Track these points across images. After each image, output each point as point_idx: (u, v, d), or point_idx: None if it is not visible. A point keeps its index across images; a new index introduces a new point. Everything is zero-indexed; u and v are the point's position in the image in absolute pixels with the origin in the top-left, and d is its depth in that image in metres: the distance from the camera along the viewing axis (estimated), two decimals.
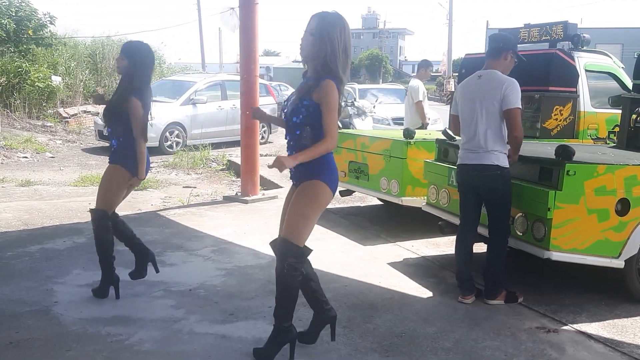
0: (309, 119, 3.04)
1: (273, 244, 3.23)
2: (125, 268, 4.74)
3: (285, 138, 3.21)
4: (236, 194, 7.78)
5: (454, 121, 4.38)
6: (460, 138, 4.35)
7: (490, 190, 4.04)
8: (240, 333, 3.60)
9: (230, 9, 9.56)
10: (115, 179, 4.07)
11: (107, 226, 4.11)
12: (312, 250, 3.18)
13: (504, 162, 4.00)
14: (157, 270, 4.41)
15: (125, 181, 4.06)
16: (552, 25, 7.11)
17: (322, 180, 3.09)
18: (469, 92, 4.17)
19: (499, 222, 4.10)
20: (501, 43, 4.11)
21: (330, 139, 3.01)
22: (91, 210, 4.12)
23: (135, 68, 3.97)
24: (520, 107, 3.96)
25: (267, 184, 8.58)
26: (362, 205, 7.58)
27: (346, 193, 6.91)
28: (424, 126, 7.94)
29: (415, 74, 8.59)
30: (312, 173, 3.08)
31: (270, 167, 3.04)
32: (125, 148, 4.02)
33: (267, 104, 14.32)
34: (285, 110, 3.19)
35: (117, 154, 4.08)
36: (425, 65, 8.50)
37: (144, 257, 4.32)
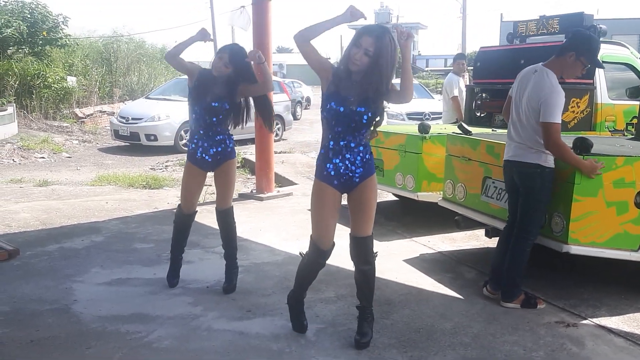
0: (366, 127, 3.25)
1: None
2: (143, 266, 4.79)
3: (340, 142, 3.23)
4: (251, 191, 7.80)
5: (509, 103, 4.12)
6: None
7: (526, 187, 3.89)
8: (258, 329, 3.61)
9: (240, 7, 9.54)
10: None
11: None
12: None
13: (546, 160, 3.81)
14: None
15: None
16: (549, 18, 7.06)
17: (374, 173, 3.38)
18: (522, 85, 3.95)
19: (529, 224, 3.93)
20: (568, 41, 3.90)
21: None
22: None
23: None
24: (556, 121, 3.67)
25: (282, 181, 8.60)
26: (377, 201, 7.55)
27: None
28: (458, 121, 7.91)
29: (452, 69, 8.57)
30: (372, 168, 3.34)
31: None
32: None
33: (280, 101, 14.34)
34: (342, 110, 3.18)
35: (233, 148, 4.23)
36: (456, 58, 8.47)
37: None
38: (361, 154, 3.25)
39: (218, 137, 4.10)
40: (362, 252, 3.35)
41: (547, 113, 3.67)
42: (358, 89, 3.15)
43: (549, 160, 3.81)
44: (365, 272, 3.37)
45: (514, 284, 4.05)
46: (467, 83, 8.06)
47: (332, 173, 3.25)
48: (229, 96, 4.01)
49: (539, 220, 3.93)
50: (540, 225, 3.95)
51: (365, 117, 3.17)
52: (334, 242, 3.41)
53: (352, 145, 3.22)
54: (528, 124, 3.83)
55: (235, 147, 4.28)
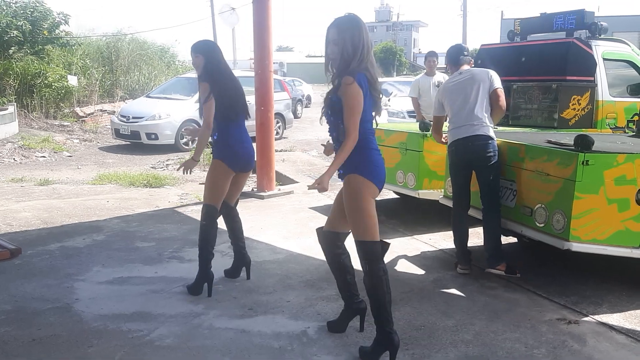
0: (338, 117, 3.13)
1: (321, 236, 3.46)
2: (144, 264, 4.79)
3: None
4: (252, 189, 7.80)
5: (438, 122, 4.89)
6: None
7: (484, 159, 4.40)
8: (260, 327, 3.62)
9: (230, 9, 9.57)
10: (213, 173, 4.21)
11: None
12: (389, 244, 3.31)
13: (493, 135, 4.48)
14: (248, 277, 4.47)
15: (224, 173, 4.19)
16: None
17: (359, 173, 3.16)
18: (456, 87, 4.61)
19: (491, 194, 4.44)
20: (465, 52, 4.82)
21: (348, 136, 3.07)
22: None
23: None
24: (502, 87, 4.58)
25: (283, 180, 8.60)
26: (378, 199, 7.45)
27: None
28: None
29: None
30: (350, 168, 3.18)
31: (310, 188, 3.19)
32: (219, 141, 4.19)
33: (281, 99, 14.33)
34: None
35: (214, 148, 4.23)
36: (427, 56, 8.23)
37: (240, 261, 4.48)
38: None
39: (214, 137, 4.20)
40: (326, 243, 3.37)
41: (497, 82, 4.53)
42: (332, 80, 3.20)
43: (493, 135, 4.48)
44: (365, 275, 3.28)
45: (497, 250, 4.49)
46: (441, 80, 7.86)
47: None
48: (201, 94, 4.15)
49: (499, 187, 4.49)
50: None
51: (329, 109, 3.19)
52: (343, 233, 3.44)
53: (338, 140, 3.22)
54: (476, 106, 4.45)
55: None
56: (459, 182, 4.65)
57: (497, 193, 4.45)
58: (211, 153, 4.33)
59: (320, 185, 3.13)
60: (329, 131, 3.30)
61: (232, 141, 4.18)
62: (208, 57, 4.16)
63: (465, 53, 4.83)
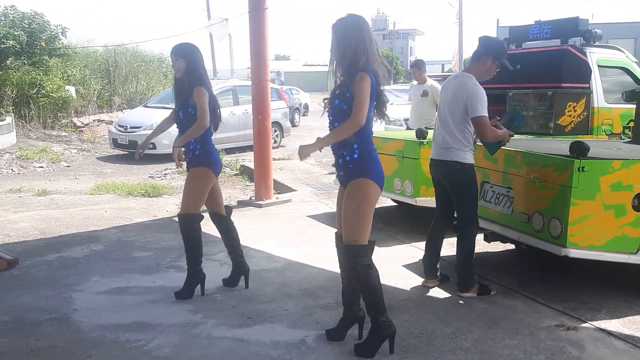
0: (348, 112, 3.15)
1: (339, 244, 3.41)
2: (142, 274, 4.79)
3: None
4: (250, 198, 7.81)
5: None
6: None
7: (452, 184, 4.22)
8: (258, 336, 3.61)
9: (223, 20, 9.64)
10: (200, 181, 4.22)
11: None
12: (374, 242, 3.32)
13: (465, 158, 4.13)
14: (247, 286, 4.47)
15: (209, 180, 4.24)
16: (542, 24, 7.17)
17: (369, 177, 3.20)
18: (444, 92, 4.32)
19: (464, 216, 4.25)
20: (483, 48, 4.19)
21: (354, 117, 3.10)
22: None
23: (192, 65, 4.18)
24: (485, 114, 4.01)
25: (281, 188, 8.61)
26: (375, 206, 7.54)
27: None
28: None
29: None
30: (360, 172, 3.21)
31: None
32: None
33: (278, 108, 14.34)
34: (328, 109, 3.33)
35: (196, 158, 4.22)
36: (412, 66, 8.32)
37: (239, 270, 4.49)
38: (344, 154, 3.24)
39: (191, 146, 4.22)
40: (344, 256, 3.33)
41: (474, 109, 3.98)
42: (341, 83, 3.24)
43: (467, 158, 4.14)
44: (355, 278, 3.31)
45: (468, 274, 4.31)
46: (427, 89, 7.91)
47: (335, 168, 3.40)
48: (189, 99, 4.19)
49: (474, 210, 4.26)
50: (476, 213, 4.27)
51: (336, 106, 3.22)
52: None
53: (336, 143, 3.26)
54: (449, 126, 4.13)
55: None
56: (437, 195, 4.52)
57: (471, 216, 4.25)
58: (187, 163, 4.30)
59: (300, 152, 3.19)
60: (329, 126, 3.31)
61: (211, 147, 4.25)
62: (189, 60, 4.15)
63: (482, 49, 4.13)
